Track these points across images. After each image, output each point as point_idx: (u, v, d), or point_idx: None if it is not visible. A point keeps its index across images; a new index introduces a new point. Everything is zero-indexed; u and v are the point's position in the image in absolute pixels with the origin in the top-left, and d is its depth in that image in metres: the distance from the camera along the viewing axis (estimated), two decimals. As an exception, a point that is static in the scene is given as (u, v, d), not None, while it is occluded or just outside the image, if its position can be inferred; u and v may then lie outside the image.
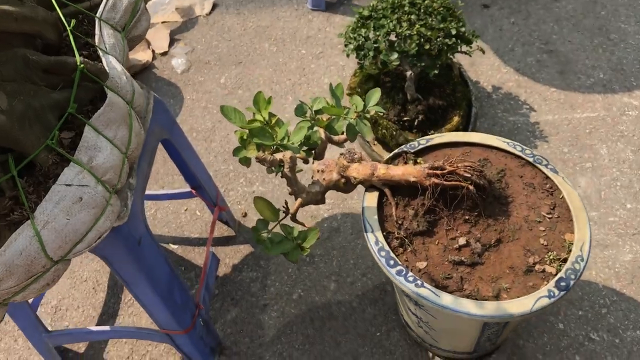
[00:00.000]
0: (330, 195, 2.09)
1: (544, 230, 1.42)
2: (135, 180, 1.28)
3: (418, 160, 1.55)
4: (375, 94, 1.57)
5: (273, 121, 1.41)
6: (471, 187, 1.38)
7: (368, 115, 1.57)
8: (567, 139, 2.15)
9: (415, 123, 2.00)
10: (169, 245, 2.02)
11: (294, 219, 1.52)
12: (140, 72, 2.52)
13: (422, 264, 1.40)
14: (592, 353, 1.70)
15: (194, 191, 1.84)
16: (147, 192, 1.95)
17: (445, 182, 1.39)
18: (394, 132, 1.99)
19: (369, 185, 1.51)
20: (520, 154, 1.54)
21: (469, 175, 1.39)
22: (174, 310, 1.53)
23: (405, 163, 1.56)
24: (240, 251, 1.98)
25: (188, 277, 1.95)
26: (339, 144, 1.63)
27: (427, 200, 1.42)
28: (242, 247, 1.99)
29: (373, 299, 1.85)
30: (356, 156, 1.51)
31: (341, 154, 1.53)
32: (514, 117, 2.23)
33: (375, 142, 2.08)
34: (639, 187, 2.00)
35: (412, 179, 1.42)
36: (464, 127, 2.05)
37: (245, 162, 1.46)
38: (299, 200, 1.50)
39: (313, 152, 1.59)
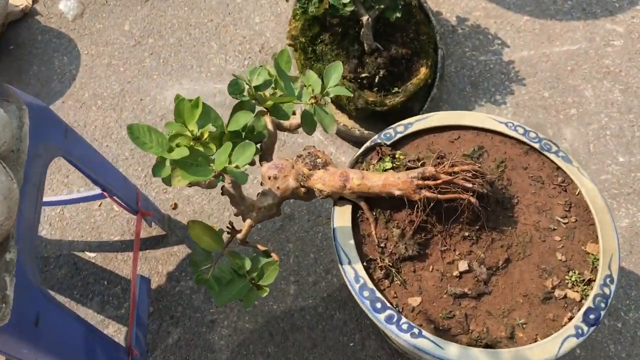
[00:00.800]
0: (278, 172, 1.73)
1: (560, 241, 1.13)
2: (14, 252, 0.88)
3: (397, 155, 1.21)
4: (337, 70, 1.19)
5: (205, 135, 1.01)
6: (473, 200, 1.06)
7: (328, 99, 1.19)
8: (547, 80, 1.85)
9: (376, 80, 1.63)
10: (84, 253, 1.64)
11: (244, 243, 1.18)
12: (19, 21, 1.98)
13: (415, 300, 1.10)
14: (594, 342, 1.50)
15: (106, 193, 1.44)
16: (48, 198, 1.53)
17: (440, 196, 1.06)
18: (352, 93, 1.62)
19: (339, 197, 1.16)
20: (522, 138, 1.21)
21: (470, 186, 1.06)
22: (99, 373, 1.19)
23: (381, 159, 1.22)
24: (175, 254, 1.62)
25: (114, 293, 1.58)
26: (291, 130, 1.26)
27: (417, 217, 1.10)
28: (175, 248, 1.63)
29: (341, 301, 1.56)
30: (319, 160, 1.15)
31: (299, 157, 1.16)
32: (484, 56, 1.88)
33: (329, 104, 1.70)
34: (630, 136, 1.74)
35: (397, 192, 1.08)
36: (432, 79, 1.70)
37: (170, 183, 1.07)
38: (249, 222, 1.15)
39: (259, 146, 1.22)
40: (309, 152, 1.16)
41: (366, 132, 1.66)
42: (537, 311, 1.08)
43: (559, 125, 1.78)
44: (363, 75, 1.63)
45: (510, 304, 1.09)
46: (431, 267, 1.11)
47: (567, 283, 1.09)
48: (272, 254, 1.16)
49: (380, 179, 1.09)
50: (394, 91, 1.64)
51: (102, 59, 1.92)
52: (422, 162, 1.19)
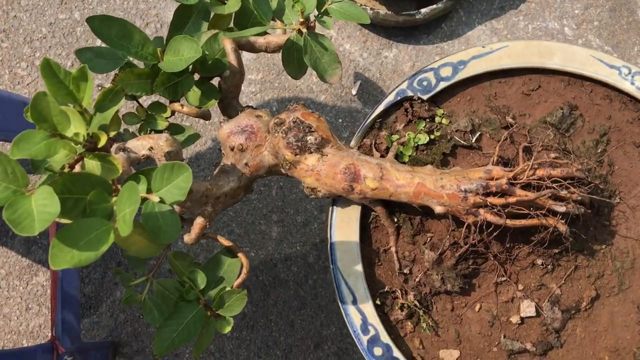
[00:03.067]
0: (257, 65, 1.25)
1: (677, 267, 0.74)
2: None
3: (437, 117, 0.75)
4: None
5: (103, 139, 0.55)
6: (563, 228, 0.65)
7: (330, 21, 0.71)
8: None
9: None
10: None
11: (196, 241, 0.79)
12: None
13: (450, 355, 0.73)
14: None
15: None
16: None
17: (510, 222, 0.64)
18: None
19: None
20: (641, 94, 0.75)
21: (563, 210, 0.63)
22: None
23: (410, 122, 0.76)
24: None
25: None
26: (269, 51, 0.79)
27: (465, 241, 0.69)
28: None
29: (338, 248, 1.20)
30: (312, 137, 0.69)
31: (277, 125, 0.71)
32: None
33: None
34: None
35: (439, 209, 0.66)
36: None
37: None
38: (201, 221, 0.74)
39: (217, 84, 0.77)
40: (294, 121, 0.70)
41: (383, 12, 1.15)
42: (628, 376, 0.73)
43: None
44: None
45: (589, 362, 0.73)
46: (478, 305, 0.73)
47: (680, 337, 0.73)
48: (240, 254, 0.79)
49: (411, 184, 0.66)
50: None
51: None
52: (478, 134, 0.74)
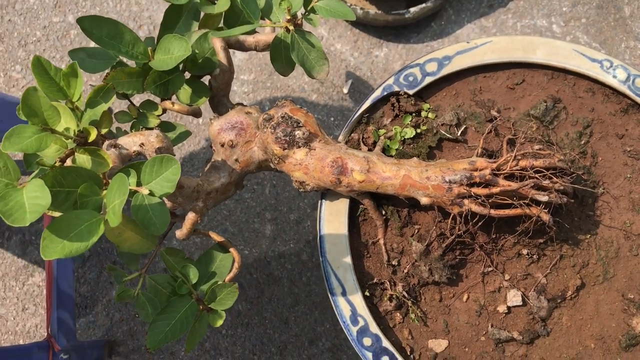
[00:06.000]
0: (249, 66, 1.26)
1: (660, 255, 0.75)
2: None
3: (423, 112, 0.76)
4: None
5: (93, 134, 0.56)
6: (546, 217, 0.66)
7: (316, 19, 0.72)
8: None
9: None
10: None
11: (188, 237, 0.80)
12: None
13: (439, 344, 0.75)
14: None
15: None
16: None
17: (494, 212, 0.66)
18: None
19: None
20: (622, 87, 0.76)
21: (546, 199, 0.65)
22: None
23: (397, 117, 0.77)
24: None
25: (37, 231, 1.22)
26: (259, 49, 0.81)
27: (451, 231, 0.70)
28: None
29: (332, 245, 1.21)
30: (300, 132, 0.71)
31: (266, 121, 0.72)
32: None
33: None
34: None
35: (425, 200, 0.67)
36: None
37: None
38: (192, 216, 0.76)
39: (208, 83, 0.78)
40: (283, 116, 0.71)
41: (372, 11, 1.16)
42: (614, 363, 0.74)
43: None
44: None
45: (576, 349, 0.74)
46: (466, 295, 0.74)
47: (665, 324, 0.74)
48: (232, 249, 0.79)
49: (397, 176, 0.67)
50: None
51: None
52: (463, 127, 0.75)
